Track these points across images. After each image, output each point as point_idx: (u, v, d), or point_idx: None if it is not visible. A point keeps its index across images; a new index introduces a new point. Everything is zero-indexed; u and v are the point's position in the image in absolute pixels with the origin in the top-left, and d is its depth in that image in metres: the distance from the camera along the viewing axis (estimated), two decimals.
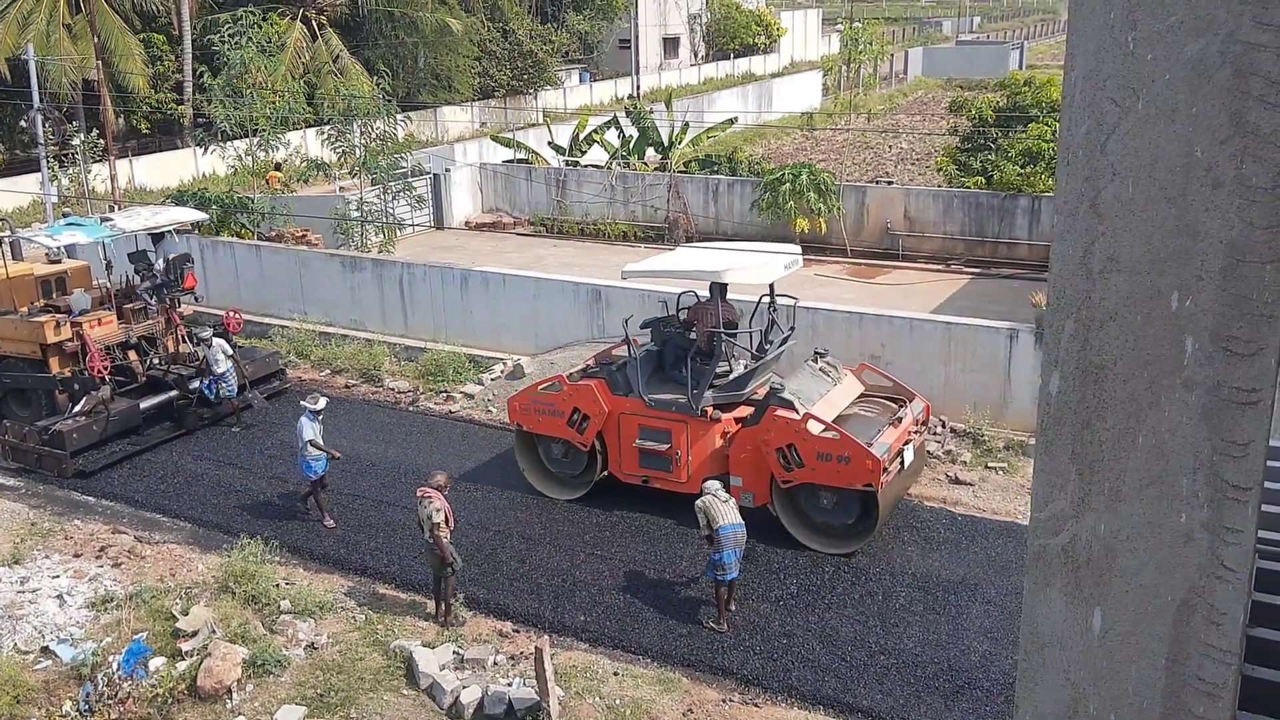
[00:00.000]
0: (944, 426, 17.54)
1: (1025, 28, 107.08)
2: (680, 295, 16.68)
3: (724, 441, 15.07)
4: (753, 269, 15.58)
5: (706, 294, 15.77)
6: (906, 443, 14.82)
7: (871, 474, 13.62)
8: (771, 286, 16.07)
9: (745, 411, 15.23)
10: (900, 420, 15.10)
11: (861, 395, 15.70)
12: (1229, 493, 2.10)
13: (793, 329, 16.34)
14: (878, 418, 15.26)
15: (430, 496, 13.15)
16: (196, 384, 19.24)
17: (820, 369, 15.66)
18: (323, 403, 15.92)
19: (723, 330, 15.23)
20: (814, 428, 14.12)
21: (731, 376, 15.43)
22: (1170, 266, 2.05)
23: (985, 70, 62.41)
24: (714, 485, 13.32)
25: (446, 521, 13.03)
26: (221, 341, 19.30)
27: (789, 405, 14.27)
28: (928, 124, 48.98)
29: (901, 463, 14.62)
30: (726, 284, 15.50)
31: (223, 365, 19.12)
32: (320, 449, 15.48)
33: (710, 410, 15.03)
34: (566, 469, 16.33)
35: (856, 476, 13.75)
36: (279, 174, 32.49)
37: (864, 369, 16.44)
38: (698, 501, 13.14)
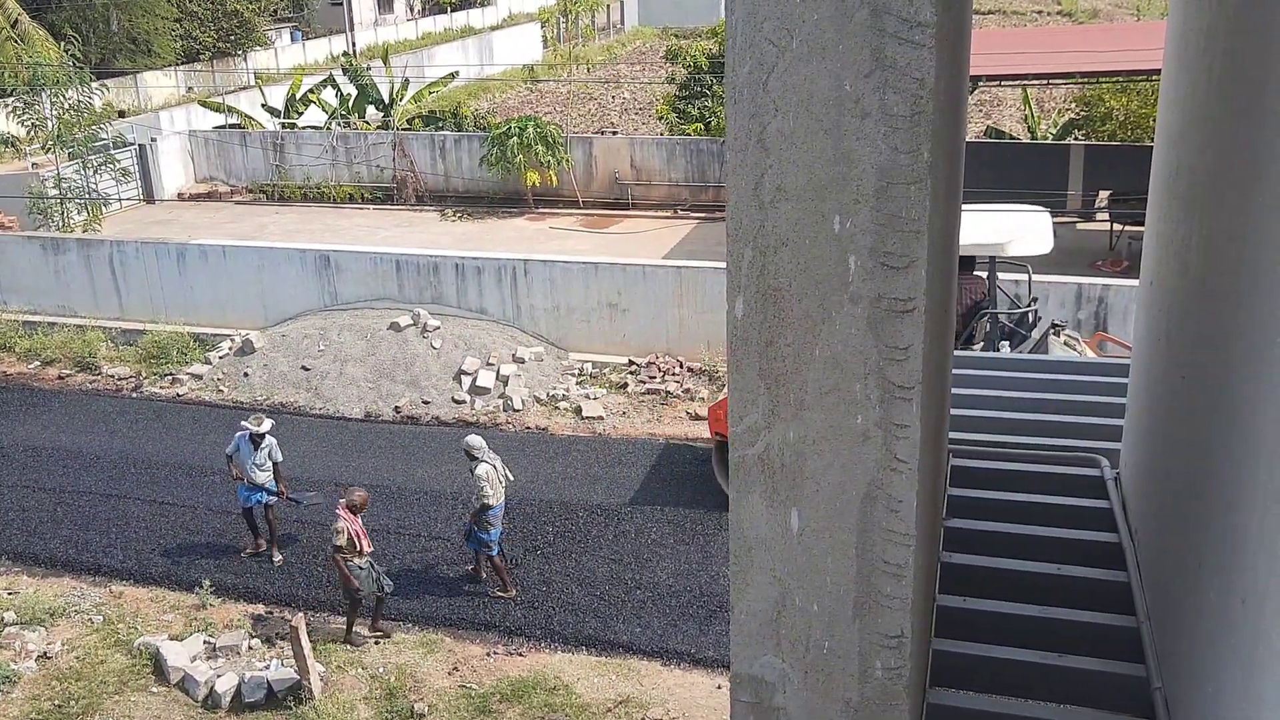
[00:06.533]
0: (681, 367, 18.16)
1: None
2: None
3: None
4: (1034, 238, 13.02)
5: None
6: None
7: None
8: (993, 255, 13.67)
9: None
10: None
11: None
12: (896, 393, 2.34)
13: (1035, 300, 14.12)
14: None
15: (339, 515, 12.02)
16: None
17: (1064, 343, 13.62)
18: (268, 424, 13.80)
19: (994, 310, 13.18)
20: None
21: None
22: (831, 192, 2.25)
23: (699, 18, 63.74)
24: (486, 450, 12.64)
25: (353, 544, 11.92)
26: None
27: None
28: (648, 73, 49.80)
29: None
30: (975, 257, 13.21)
31: None
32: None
33: None
34: None
35: None
36: None
37: (1101, 339, 14.37)
38: (480, 469, 12.40)
